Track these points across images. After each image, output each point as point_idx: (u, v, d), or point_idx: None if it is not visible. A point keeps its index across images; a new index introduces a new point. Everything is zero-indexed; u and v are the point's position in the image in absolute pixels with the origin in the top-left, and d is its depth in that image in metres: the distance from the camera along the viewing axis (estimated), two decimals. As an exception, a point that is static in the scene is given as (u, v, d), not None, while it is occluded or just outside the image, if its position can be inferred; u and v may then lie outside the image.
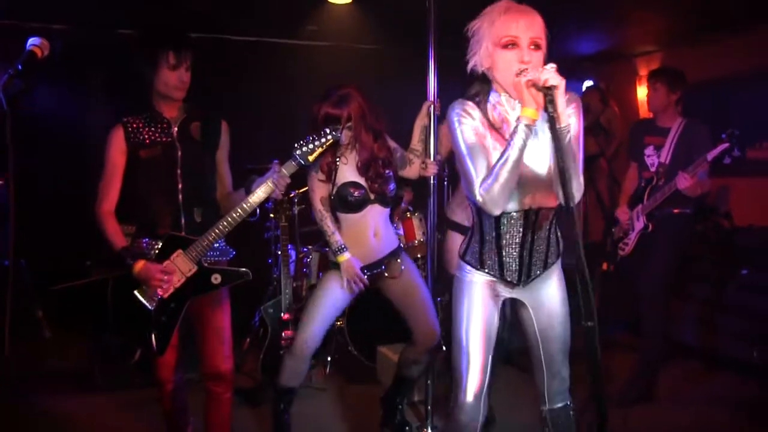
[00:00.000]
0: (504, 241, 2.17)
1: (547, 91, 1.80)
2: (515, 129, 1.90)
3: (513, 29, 1.95)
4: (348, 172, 3.00)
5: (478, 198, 1.98)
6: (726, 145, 3.45)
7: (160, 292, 2.52)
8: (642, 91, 6.01)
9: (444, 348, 4.22)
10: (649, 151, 3.84)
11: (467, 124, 2.04)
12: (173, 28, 2.67)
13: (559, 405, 2.30)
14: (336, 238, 3.00)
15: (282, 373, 3.07)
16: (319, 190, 3.02)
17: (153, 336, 2.52)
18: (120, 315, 2.57)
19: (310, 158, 2.60)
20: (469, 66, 2.09)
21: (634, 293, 3.83)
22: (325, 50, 5.67)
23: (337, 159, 2.99)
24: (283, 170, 2.55)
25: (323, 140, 2.61)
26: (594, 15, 4.58)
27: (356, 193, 2.97)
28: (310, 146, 2.59)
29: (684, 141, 3.71)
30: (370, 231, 3.06)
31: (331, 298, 3.03)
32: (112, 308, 2.56)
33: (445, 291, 3.85)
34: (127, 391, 3.86)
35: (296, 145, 2.59)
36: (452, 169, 3.62)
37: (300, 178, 4.26)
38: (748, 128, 3.68)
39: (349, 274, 2.96)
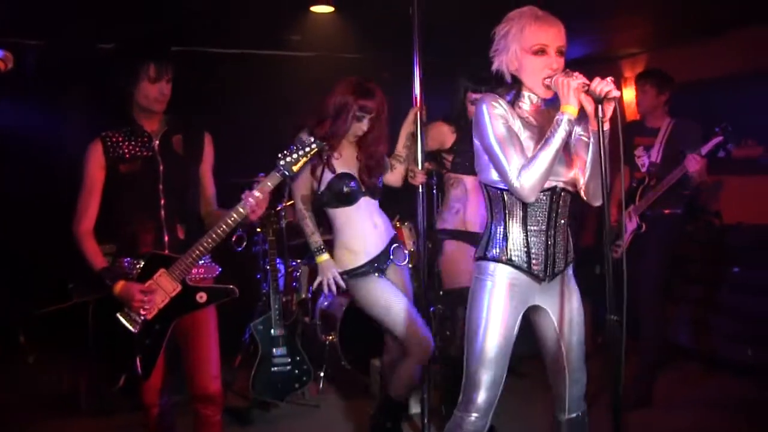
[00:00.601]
0: (531, 224, 2.18)
1: (603, 100, 1.93)
2: (559, 121, 2.02)
3: (543, 38, 2.10)
4: (339, 165, 2.97)
5: (516, 184, 2.06)
6: (720, 138, 3.48)
7: (143, 313, 2.44)
8: (627, 93, 6.02)
9: (437, 360, 4.18)
10: (639, 151, 3.86)
11: (497, 115, 2.13)
12: (154, 40, 2.61)
13: (578, 413, 2.28)
14: (316, 238, 3.00)
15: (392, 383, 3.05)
16: (301, 189, 3.01)
17: (138, 360, 2.43)
18: (102, 340, 2.47)
19: (294, 168, 2.53)
20: (494, 66, 2.23)
21: (632, 297, 3.80)
22: (309, 60, 5.63)
23: (328, 155, 2.94)
24: (268, 182, 2.48)
25: (307, 149, 2.54)
26: (579, 19, 4.56)
27: (351, 184, 2.96)
28: (294, 156, 2.52)
29: (674, 139, 3.75)
30: (370, 222, 3.03)
31: (389, 292, 2.97)
32: (93, 333, 2.46)
33: (438, 302, 3.80)
34: (114, 416, 3.76)
35: (280, 155, 2.52)
36: (440, 178, 3.57)
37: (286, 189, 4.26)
38: (734, 127, 3.71)
39: (326, 275, 2.96)
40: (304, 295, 4.66)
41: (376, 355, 4.03)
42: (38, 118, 5.08)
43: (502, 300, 2.16)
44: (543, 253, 2.19)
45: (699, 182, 3.63)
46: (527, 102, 2.23)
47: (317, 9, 4.56)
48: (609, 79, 1.94)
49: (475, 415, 2.16)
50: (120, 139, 2.55)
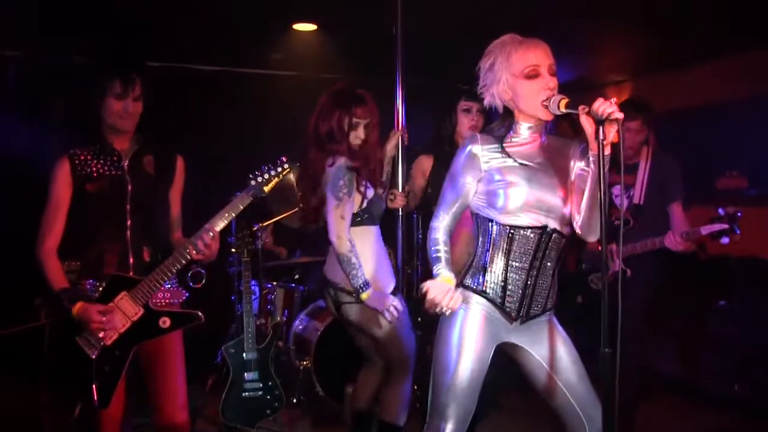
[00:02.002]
0: (513, 259, 2.11)
1: (605, 121, 1.82)
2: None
3: (533, 59, 2.05)
4: None
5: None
6: (724, 226, 3.28)
7: (101, 336, 2.33)
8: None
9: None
10: (615, 191, 3.59)
11: (469, 157, 2.16)
12: (122, 55, 2.54)
13: None
14: (362, 272, 2.73)
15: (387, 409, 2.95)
16: (349, 214, 2.77)
17: (94, 387, 2.32)
18: (58, 365, 2.35)
19: (266, 189, 2.47)
20: (486, 101, 2.17)
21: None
22: (290, 80, 5.57)
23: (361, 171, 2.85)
24: (238, 204, 2.41)
25: (279, 170, 2.49)
26: (564, 45, 4.57)
27: (383, 195, 2.92)
28: (266, 176, 2.46)
29: (655, 178, 3.57)
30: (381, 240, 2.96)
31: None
32: (48, 358, 2.34)
33: (418, 327, 3.71)
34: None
35: (251, 176, 2.47)
36: (426, 201, 3.51)
37: (262, 209, 4.18)
38: (717, 157, 3.64)
39: (386, 305, 2.73)
40: (278, 318, 4.55)
41: (350, 382, 3.93)
42: (16, 130, 4.99)
43: (476, 330, 2.10)
44: (519, 292, 2.12)
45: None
46: (524, 133, 2.15)
47: (300, 27, 4.52)
48: (612, 100, 1.85)
49: None
50: (89, 157, 2.48)
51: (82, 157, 2.47)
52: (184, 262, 2.39)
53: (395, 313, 2.75)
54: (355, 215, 2.82)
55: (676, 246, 3.36)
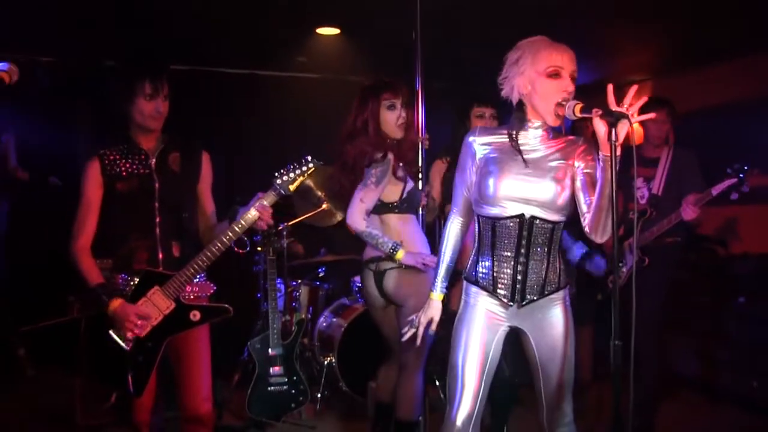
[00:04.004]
0: (499, 249, 2.21)
1: (617, 123, 1.87)
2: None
3: (558, 61, 2.12)
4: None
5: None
6: (734, 180, 3.36)
7: (136, 330, 2.43)
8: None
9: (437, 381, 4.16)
10: (638, 182, 3.77)
11: (469, 146, 2.29)
12: (150, 58, 2.63)
13: None
14: (387, 238, 2.86)
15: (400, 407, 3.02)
16: (370, 201, 2.89)
17: (129, 377, 2.42)
18: (94, 356, 2.47)
19: (291, 187, 2.53)
20: (503, 92, 2.24)
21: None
22: (314, 82, 5.68)
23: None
24: (264, 201, 2.49)
25: (304, 168, 2.55)
26: (585, 46, 4.61)
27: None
28: (291, 175, 2.53)
29: (675, 171, 3.69)
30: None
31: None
32: (85, 349, 2.46)
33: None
34: (110, 430, 3.74)
35: (276, 174, 2.53)
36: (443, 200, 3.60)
37: (288, 209, 4.27)
38: (739, 156, 3.66)
39: (420, 259, 2.86)
40: (303, 316, 4.65)
41: (373, 377, 4.01)
42: (48, 132, 5.15)
43: (476, 318, 2.23)
44: (510, 280, 2.20)
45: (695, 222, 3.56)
46: (531, 129, 2.21)
47: (323, 31, 4.62)
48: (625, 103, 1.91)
49: (455, 426, 2.18)
50: (117, 156, 2.56)
51: (112, 157, 2.55)
52: (218, 252, 2.47)
53: (431, 263, 2.83)
54: (397, 204, 2.96)
55: (690, 214, 3.42)
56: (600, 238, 2.12)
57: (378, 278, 2.99)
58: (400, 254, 2.84)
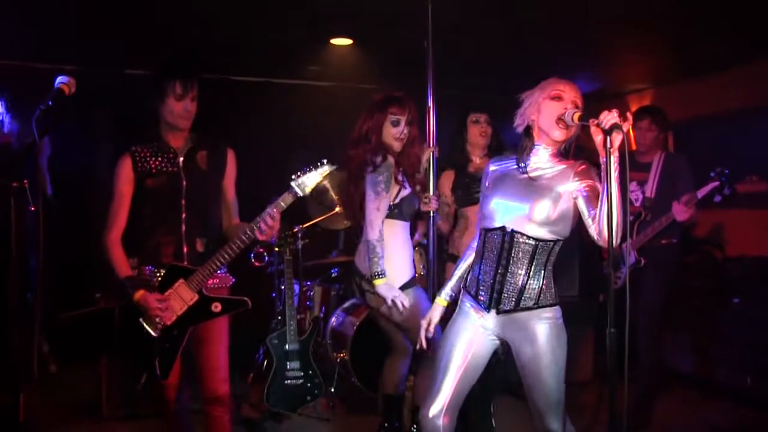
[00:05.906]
0: (485, 259, 2.42)
1: (612, 131, 2.04)
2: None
3: (562, 88, 2.36)
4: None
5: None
6: (716, 183, 3.54)
7: (164, 319, 2.61)
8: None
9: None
10: (632, 186, 3.96)
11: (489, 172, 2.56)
12: (180, 60, 2.79)
13: None
14: (382, 263, 3.01)
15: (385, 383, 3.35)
16: (385, 208, 3.05)
17: (157, 361, 2.61)
18: (127, 340, 2.67)
19: (308, 189, 2.66)
20: (516, 122, 2.45)
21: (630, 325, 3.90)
22: (327, 89, 5.83)
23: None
24: (281, 202, 2.63)
25: (320, 171, 2.67)
26: (586, 56, 4.76)
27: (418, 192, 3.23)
28: (308, 177, 2.65)
29: (666, 175, 3.86)
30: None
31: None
32: (119, 333, 2.66)
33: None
34: (135, 421, 3.90)
35: (293, 176, 2.65)
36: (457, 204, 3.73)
37: (303, 212, 4.42)
38: (738, 163, 3.81)
39: (391, 296, 3.00)
40: (317, 314, 4.81)
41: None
42: (73, 140, 5.30)
43: (463, 321, 2.46)
44: (489, 286, 2.39)
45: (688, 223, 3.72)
46: (538, 152, 2.40)
47: (336, 41, 4.75)
48: (616, 111, 2.05)
49: (426, 416, 2.40)
50: (148, 154, 2.71)
51: (143, 154, 2.70)
52: (238, 250, 2.62)
53: (399, 306, 3.01)
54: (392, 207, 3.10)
55: (682, 214, 3.60)
56: (606, 242, 2.17)
57: (360, 293, 3.21)
58: (378, 282, 3.01)
